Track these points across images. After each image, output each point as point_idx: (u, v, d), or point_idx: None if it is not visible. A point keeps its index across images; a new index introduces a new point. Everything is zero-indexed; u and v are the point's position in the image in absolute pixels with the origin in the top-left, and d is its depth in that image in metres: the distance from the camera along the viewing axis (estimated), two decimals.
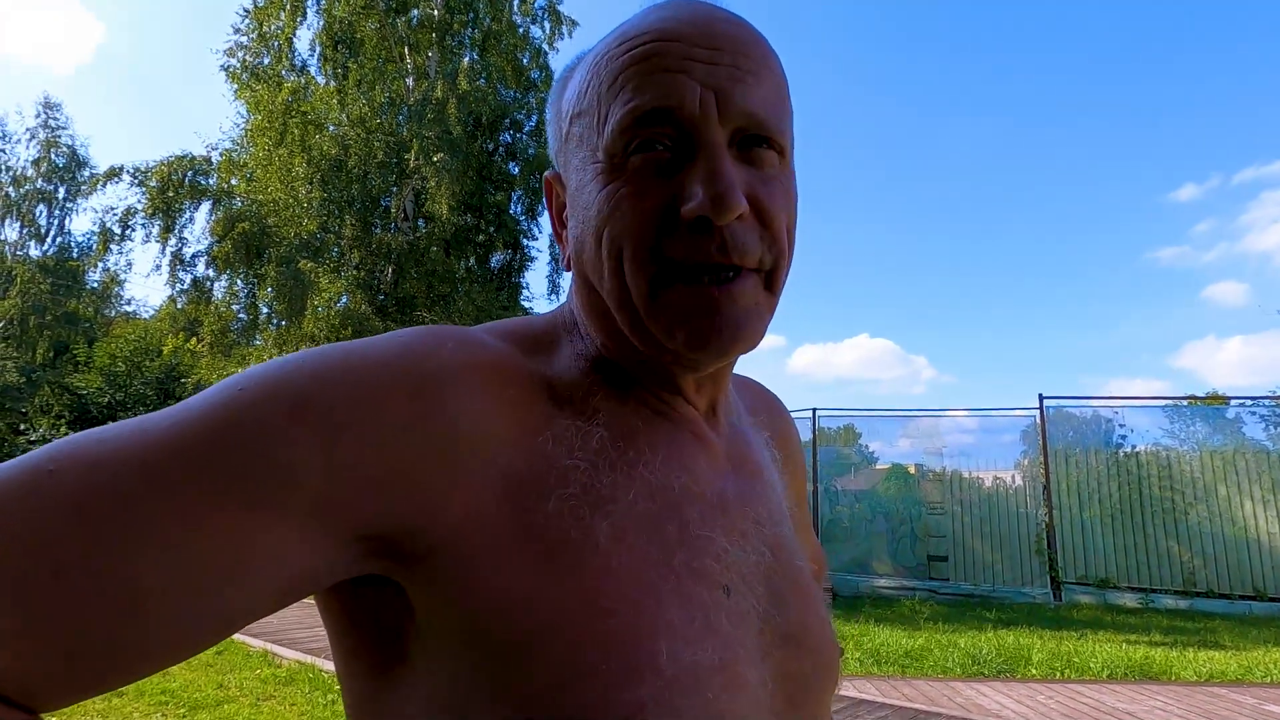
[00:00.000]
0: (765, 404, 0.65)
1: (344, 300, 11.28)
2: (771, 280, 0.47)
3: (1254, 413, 10.90)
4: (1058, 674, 5.81)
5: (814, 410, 11.91)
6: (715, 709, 0.40)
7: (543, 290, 13.70)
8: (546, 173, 0.55)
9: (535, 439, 0.43)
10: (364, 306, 10.98)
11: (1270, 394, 10.95)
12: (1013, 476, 11.83)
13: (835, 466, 12.21)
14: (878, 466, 12.63)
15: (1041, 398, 11.56)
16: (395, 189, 11.58)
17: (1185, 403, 11.50)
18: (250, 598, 0.36)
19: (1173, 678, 5.72)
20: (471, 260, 12.71)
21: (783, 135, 0.46)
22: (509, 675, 0.38)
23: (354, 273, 11.24)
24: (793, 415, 0.72)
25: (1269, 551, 9.92)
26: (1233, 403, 11.21)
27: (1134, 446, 11.12)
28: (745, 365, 0.61)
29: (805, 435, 11.57)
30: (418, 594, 0.40)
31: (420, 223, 11.95)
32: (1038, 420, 11.46)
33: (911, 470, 12.14)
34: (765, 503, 0.53)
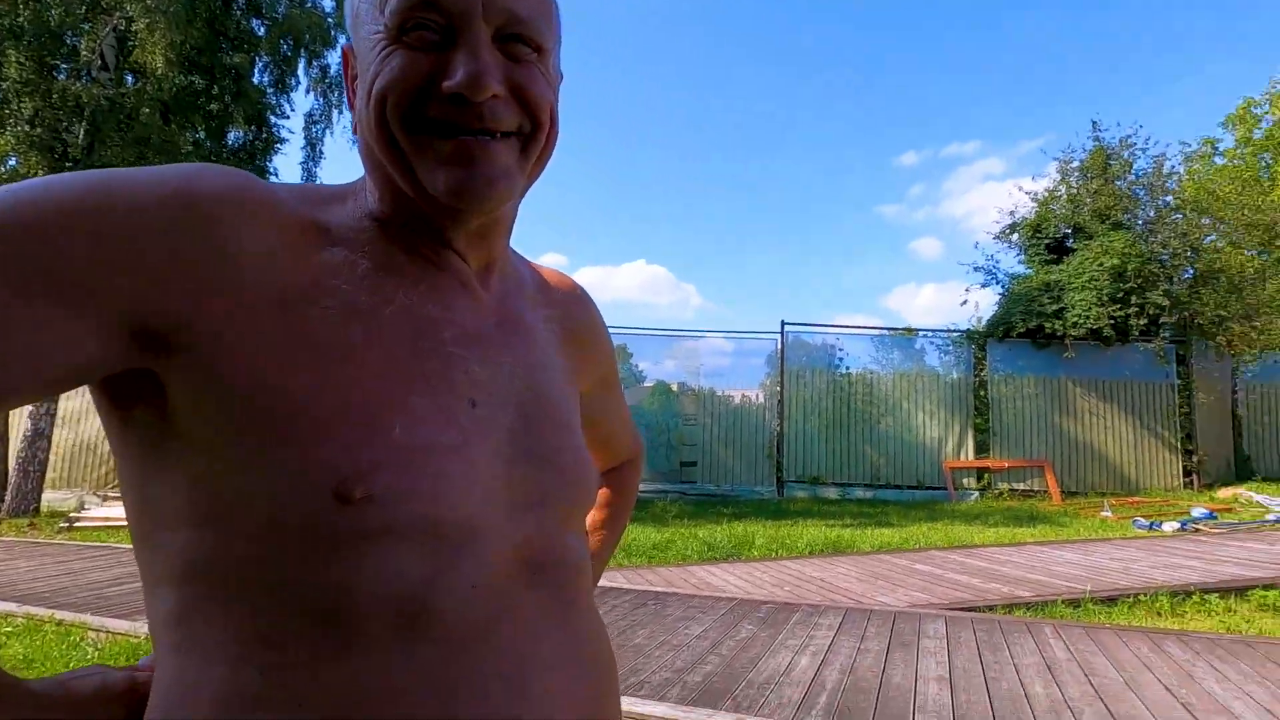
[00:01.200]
0: (565, 290, 0.68)
1: (13, 162, 8.80)
2: (528, 145, 0.52)
3: (933, 343, 13.66)
4: (774, 554, 6.89)
5: None
6: (444, 477, 0.46)
7: (296, 178, 11.89)
8: (343, 44, 0.58)
9: (303, 260, 0.48)
10: (42, 171, 8.67)
11: (945, 329, 13.66)
12: (757, 394, 13.56)
13: None
14: (645, 385, 13.59)
15: (783, 324, 13.23)
16: (87, 25, 9.10)
17: (887, 334, 13.89)
18: (21, 378, 0.39)
19: (855, 550, 7.11)
20: (200, 133, 10.58)
21: (542, 37, 0.51)
22: (262, 445, 0.43)
23: (26, 128, 8.76)
24: None
25: (930, 452, 12.90)
26: (920, 334, 13.79)
27: (849, 369, 13.34)
28: None
29: None
30: (181, 385, 0.44)
31: (128, 77, 9.60)
32: (779, 344, 13.14)
33: (674, 388, 13.31)
34: (529, 354, 0.57)
